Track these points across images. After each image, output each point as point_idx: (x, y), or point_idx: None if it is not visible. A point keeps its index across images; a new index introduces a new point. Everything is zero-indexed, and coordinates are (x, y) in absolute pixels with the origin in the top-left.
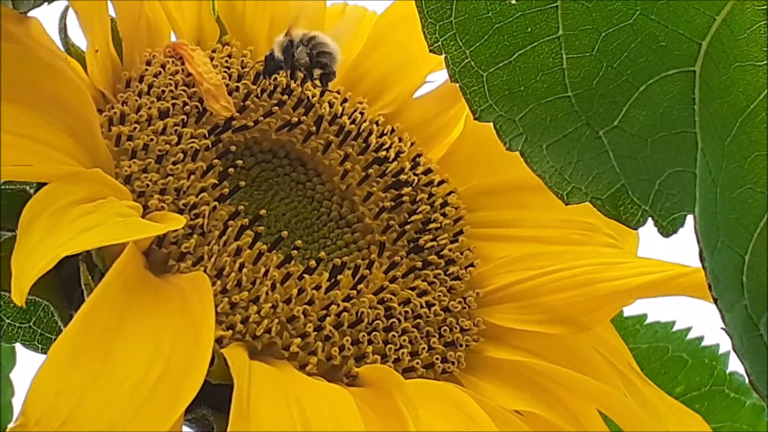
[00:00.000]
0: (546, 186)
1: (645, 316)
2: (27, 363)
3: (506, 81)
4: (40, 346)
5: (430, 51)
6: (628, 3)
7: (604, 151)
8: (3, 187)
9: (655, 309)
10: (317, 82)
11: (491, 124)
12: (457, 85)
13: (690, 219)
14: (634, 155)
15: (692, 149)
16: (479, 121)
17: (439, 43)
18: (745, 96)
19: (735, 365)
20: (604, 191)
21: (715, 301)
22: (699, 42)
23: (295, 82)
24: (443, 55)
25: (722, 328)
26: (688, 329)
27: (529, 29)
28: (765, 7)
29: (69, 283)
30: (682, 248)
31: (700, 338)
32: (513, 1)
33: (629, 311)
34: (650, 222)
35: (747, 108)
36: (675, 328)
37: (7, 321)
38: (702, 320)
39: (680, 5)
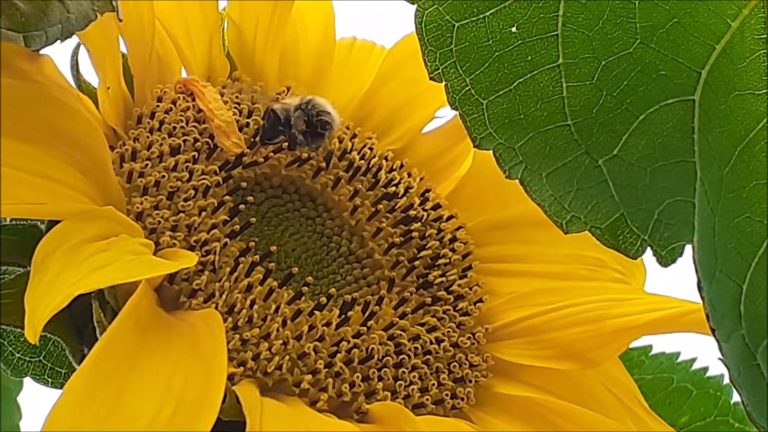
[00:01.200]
0: (545, 215)
1: (650, 347)
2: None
3: (506, 109)
4: (50, 380)
5: (430, 78)
6: (628, 32)
7: (603, 180)
8: (14, 223)
9: (660, 340)
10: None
11: (491, 152)
12: (457, 112)
13: (689, 249)
14: (633, 184)
15: (691, 178)
16: (479, 149)
17: (440, 70)
18: (744, 125)
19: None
20: (603, 220)
21: (713, 331)
22: (698, 71)
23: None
24: (443, 83)
25: (720, 359)
26: (693, 360)
27: (530, 57)
28: (765, 36)
29: (80, 319)
30: (682, 279)
31: (705, 369)
32: (513, 29)
33: (634, 343)
34: (649, 251)
35: (746, 137)
36: (680, 359)
37: (18, 355)
38: (707, 351)
39: (680, 34)
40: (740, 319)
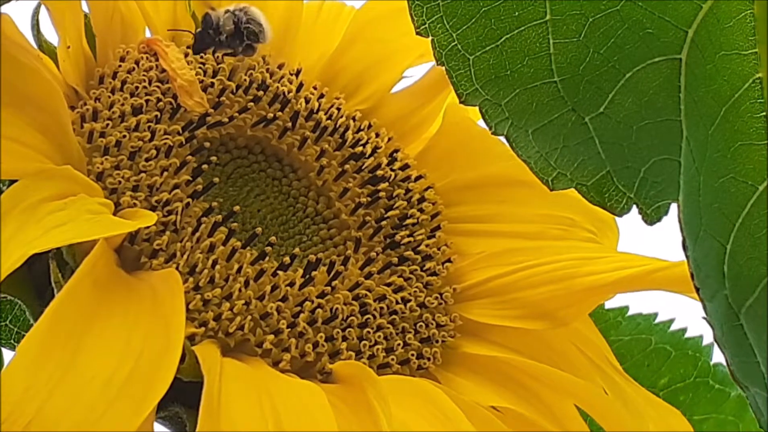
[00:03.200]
0: (531, 171)
1: (627, 308)
2: None
3: (493, 65)
4: (16, 344)
5: (417, 33)
6: None
7: (589, 138)
8: None
9: (637, 301)
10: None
11: (477, 108)
12: (444, 67)
13: (674, 208)
14: (619, 142)
15: (677, 137)
16: (465, 105)
17: (426, 25)
18: (729, 85)
19: (719, 357)
20: (589, 177)
21: (697, 291)
22: (685, 30)
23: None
24: (430, 38)
25: (704, 318)
26: (671, 321)
27: (517, 13)
28: None
29: (41, 281)
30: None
31: (683, 330)
32: None
33: (610, 303)
34: (635, 210)
35: (731, 97)
36: (657, 320)
37: None
38: (685, 312)
39: None
40: (724, 279)
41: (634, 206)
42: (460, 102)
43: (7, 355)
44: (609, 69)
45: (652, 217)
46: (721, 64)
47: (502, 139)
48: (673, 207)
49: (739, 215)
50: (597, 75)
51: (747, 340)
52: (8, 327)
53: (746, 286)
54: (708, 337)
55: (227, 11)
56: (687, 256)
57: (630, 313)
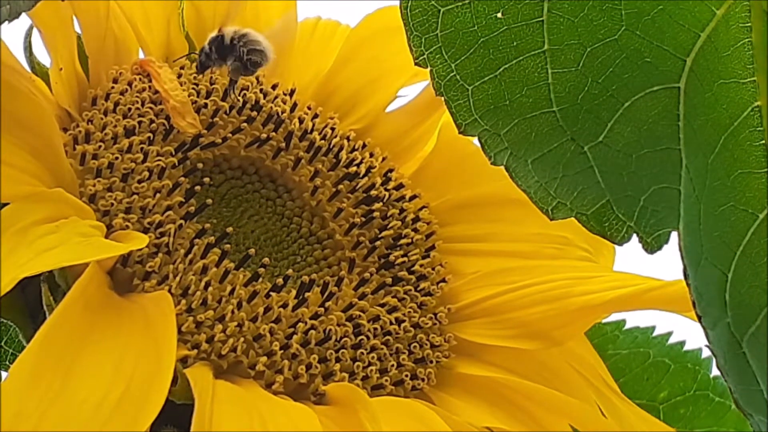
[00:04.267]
0: (531, 201)
1: (624, 321)
2: None
3: (492, 95)
4: (11, 366)
5: (416, 64)
6: (614, 18)
7: (589, 167)
8: None
9: (634, 314)
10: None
11: (476, 138)
12: (442, 98)
13: (675, 236)
14: (619, 171)
15: (677, 165)
16: (464, 135)
17: (425, 56)
18: (728, 113)
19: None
20: (589, 207)
21: (699, 319)
22: (684, 58)
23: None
24: (428, 68)
25: (707, 346)
26: (669, 334)
27: (515, 43)
28: (749, 24)
29: (34, 303)
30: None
31: (682, 343)
32: (499, 15)
33: (607, 318)
34: (635, 238)
35: (731, 125)
36: (655, 333)
37: None
38: (682, 325)
39: (665, 21)
40: (726, 307)
41: (635, 235)
42: (459, 132)
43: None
44: (608, 98)
45: (652, 246)
46: (719, 93)
47: None
48: (674, 235)
49: (739, 243)
50: (596, 104)
51: (750, 368)
52: (4, 348)
53: (748, 314)
54: (707, 350)
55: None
56: (688, 284)
57: (627, 326)
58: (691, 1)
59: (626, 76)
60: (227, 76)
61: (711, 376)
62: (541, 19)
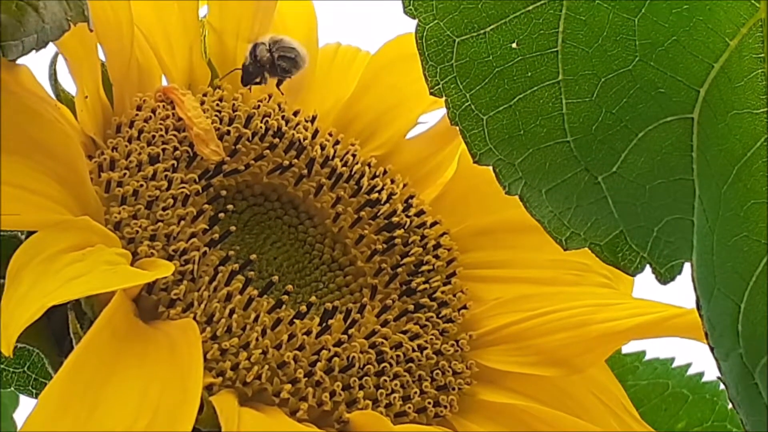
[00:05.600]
0: (545, 231)
1: (644, 352)
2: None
3: (506, 125)
4: (34, 391)
5: (431, 93)
6: (628, 49)
7: (602, 197)
8: None
9: (654, 345)
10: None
11: (491, 167)
12: (457, 128)
13: (688, 266)
14: (632, 201)
15: (690, 196)
16: (479, 165)
17: (440, 85)
18: (742, 144)
19: None
20: (602, 237)
21: (712, 350)
22: (697, 89)
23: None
24: (444, 98)
25: (718, 377)
26: (688, 365)
27: (530, 73)
28: (763, 55)
29: (59, 330)
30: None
31: (701, 374)
32: (514, 45)
33: (627, 348)
34: (648, 269)
35: (744, 156)
36: (674, 365)
37: (1, 366)
38: (702, 356)
39: (679, 52)
40: (738, 338)
41: (648, 265)
42: (474, 161)
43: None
44: (621, 128)
45: (665, 277)
46: (733, 123)
47: None
48: (687, 266)
49: (752, 274)
50: (610, 134)
51: (762, 399)
52: (26, 373)
53: (760, 345)
54: None
55: (262, 44)
56: (701, 315)
57: (647, 357)
58: (704, 31)
59: (640, 106)
60: (250, 105)
61: (729, 407)
62: (555, 49)
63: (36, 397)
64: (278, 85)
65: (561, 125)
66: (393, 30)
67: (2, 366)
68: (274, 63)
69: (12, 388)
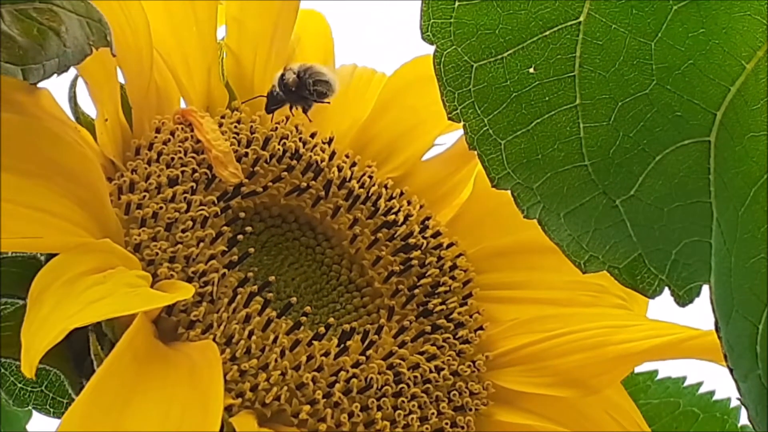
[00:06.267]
0: (564, 254)
1: (656, 372)
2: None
3: (524, 149)
4: (51, 410)
5: (449, 118)
6: (645, 73)
7: (620, 220)
8: (14, 255)
9: (666, 365)
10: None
11: (509, 191)
12: (476, 152)
13: (706, 288)
14: (650, 225)
15: (708, 219)
16: (497, 189)
17: (458, 110)
18: (758, 166)
19: (746, 418)
20: (621, 260)
21: (731, 372)
22: (714, 112)
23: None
24: (462, 123)
25: (738, 399)
26: (700, 384)
27: (547, 98)
28: None
29: (79, 351)
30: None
31: (712, 392)
32: (531, 70)
33: (640, 368)
34: (667, 291)
35: (761, 178)
36: (686, 384)
37: (19, 385)
38: (713, 374)
39: (695, 75)
40: (757, 359)
41: (666, 288)
42: (492, 186)
43: (38, 417)
44: (639, 152)
45: (684, 299)
46: (749, 146)
47: None
48: (705, 288)
49: None
50: (627, 158)
51: None
52: (43, 392)
53: None
54: (736, 400)
55: (291, 71)
56: (719, 337)
57: (659, 377)
58: (721, 55)
59: (657, 130)
60: (267, 127)
61: (739, 425)
62: (572, 74)
63: (53, 416)
64: (305, 111)
65: (579, 149)
66: (408, 53)
67: (20, 385)
68: (305, 89)
69: (30, 407)
